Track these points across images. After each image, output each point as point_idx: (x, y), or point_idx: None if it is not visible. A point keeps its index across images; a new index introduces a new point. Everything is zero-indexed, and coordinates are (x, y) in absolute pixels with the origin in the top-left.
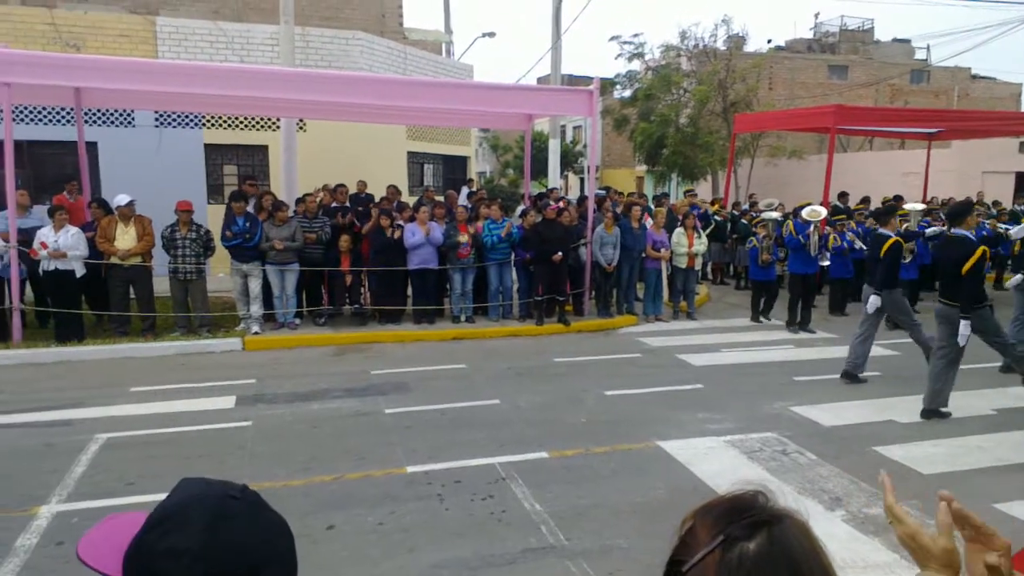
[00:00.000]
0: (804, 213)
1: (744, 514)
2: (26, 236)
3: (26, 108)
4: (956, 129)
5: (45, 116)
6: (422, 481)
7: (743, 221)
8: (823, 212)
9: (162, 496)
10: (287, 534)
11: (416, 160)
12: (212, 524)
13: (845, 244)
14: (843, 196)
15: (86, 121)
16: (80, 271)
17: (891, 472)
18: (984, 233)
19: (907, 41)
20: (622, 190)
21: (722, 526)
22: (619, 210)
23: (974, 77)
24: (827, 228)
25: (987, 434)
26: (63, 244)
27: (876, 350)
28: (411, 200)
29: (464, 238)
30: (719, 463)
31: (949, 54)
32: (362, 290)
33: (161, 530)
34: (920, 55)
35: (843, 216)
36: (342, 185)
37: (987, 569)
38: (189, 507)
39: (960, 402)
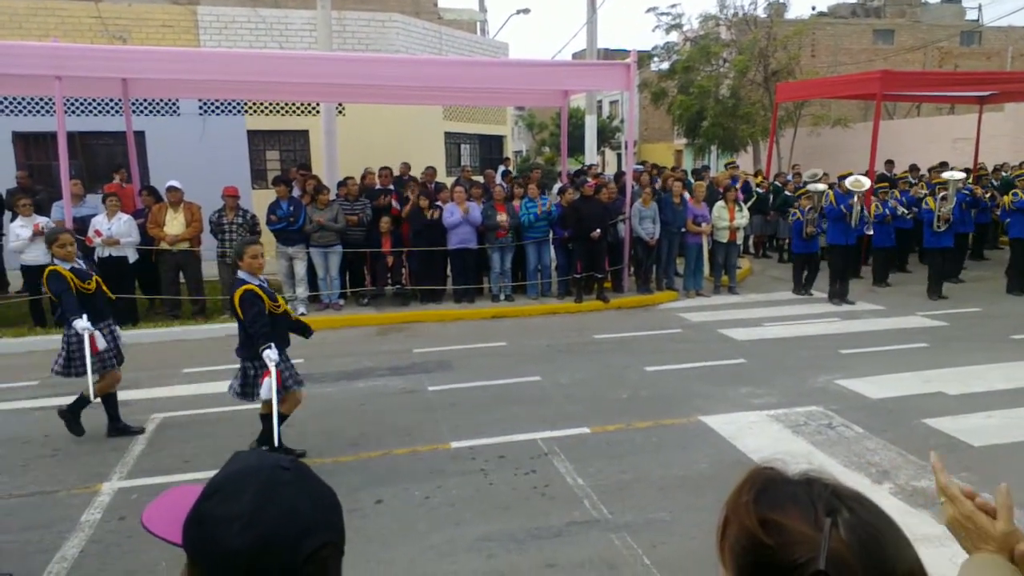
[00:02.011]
0: (847, 183)
1: (807, 487)
2: (81, 224)
3: (76, 100)
4: (1010, 92)
5: (94, 107)
6: (467, 456)
7: (786, 192)
8: (866, 183)
9: None
10: (335, 504)
11: (453, 140)
12: (263, 492)
13: (888, 212)
14: (889, 164)
15: (133, 111)
16: (132, 257)
17: (940, 445)
18: None
19: (956, 1)
20: (662, 165)
21: (811, 509)
22: (658, 185)
23: None
24: (871, 198)
25: None
26: (116, 231)
27: (923, 320)
28: (449, 181)
29: (502, 217)
30: (763, 437)
31: (1002, 13)
32: (403, 271)
33: (216, 499)
34: (971, 16)
35: (886, 184)
36: (386, 168)
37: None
38: (242, 477)
39: (1012, 372)
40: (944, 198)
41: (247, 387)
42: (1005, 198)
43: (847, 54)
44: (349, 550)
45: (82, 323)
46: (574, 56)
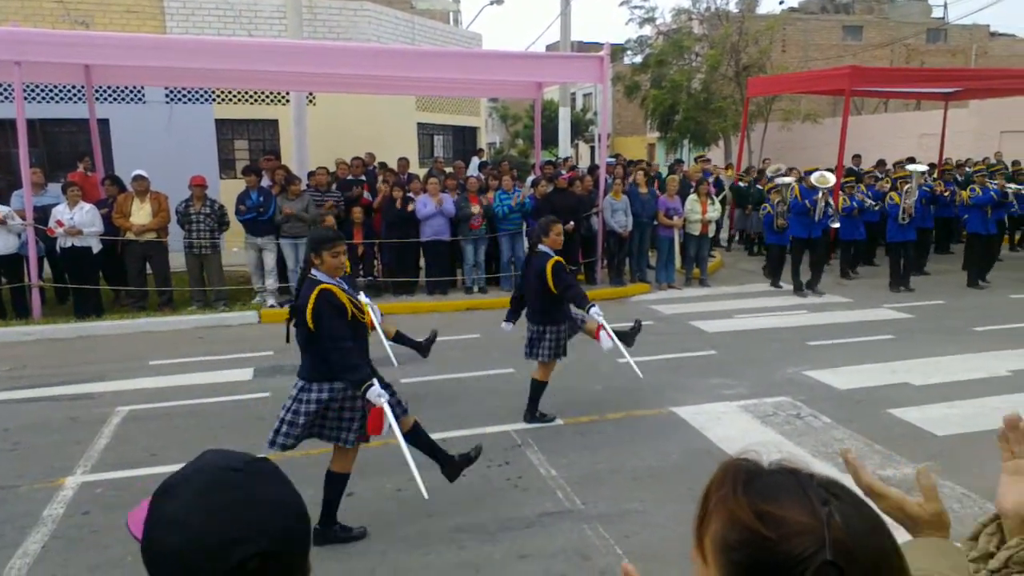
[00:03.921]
0: (812, 178)
1: (793, 476)
2: (42, 214)
3: (37, 86)
4: (974, 89)
5: (56, 94)
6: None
7: (757, 187)
8: (831, 179)
9: None
10: (288, 513)
11: (426, 131)
12: (200, 494)
13: (855, 205)
14: (856, 159)
15: (97, 98)
16: (96, 247)
17: (905, 435)
18: (994, 194)
19: None
20: (635, 159)
21: (807, 499)
22: (630, 179)
23: (993, 34)
24: (839, 192)
25: (1003, 395)
26: (78, 221)
27: (889, 313)
28: (421, 172)
29: (476, 209)
30: (733, 428)
31: (967, 11)
32: (375, 262)
33: (163, 498)
34: (937, 13)
35: (852, 179)
36: (358, 158)
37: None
38: (189, 476)
39: (976, 363)
40: (907, 191)
41: (334, 428)
42: (963, 193)
43: (817, 50)
44: (320, 543)
45: None
46: (548, 48)
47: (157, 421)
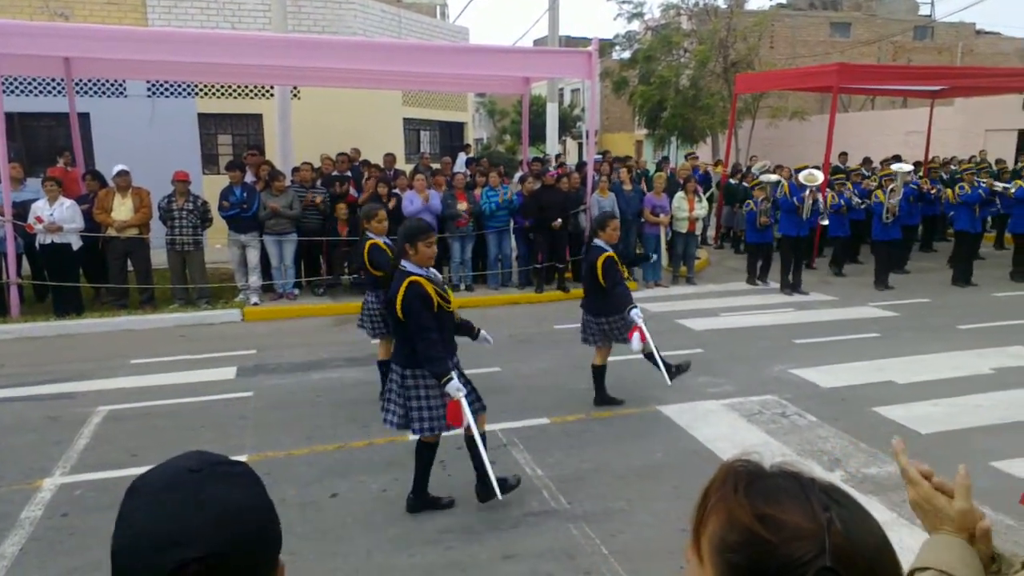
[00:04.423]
0: (801, 176)
1: (795, 480)
2: (21, 209)
3: (16, 79)
4: (960, 86)
5: (35, 87)
6: None
7: (743, 184)
8: (820, 177)
9: None
10: (244, 518)
11: (412, 127)
12: (154, 494)
13: (843, 202)
14: (843, 156)
15: (77, 92)
16: (76, 244)
17: (889, 433)
18: (982, 192)
19: None
20: (623, 156)
21: (808, 504)
22: (617, 176)
23: (979, 32)
24: (826, 190)
25: (985, 393)
26: (58, 217)
27: (874, 311)
28: (407, 168)
29: (463, 206)
30: (719, 427)
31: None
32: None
33: (127, 496)
34: (924, 11)
35: (841, 176)
36: (343, 154)
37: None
38: (153, 476)
39: (960, 361)
40: (892, 190)
41: (427, 415)
42: (949, 191)
43: (805, 46)
44: (304, 544)
45: None
46: (535, 43)
47: (138, 421)
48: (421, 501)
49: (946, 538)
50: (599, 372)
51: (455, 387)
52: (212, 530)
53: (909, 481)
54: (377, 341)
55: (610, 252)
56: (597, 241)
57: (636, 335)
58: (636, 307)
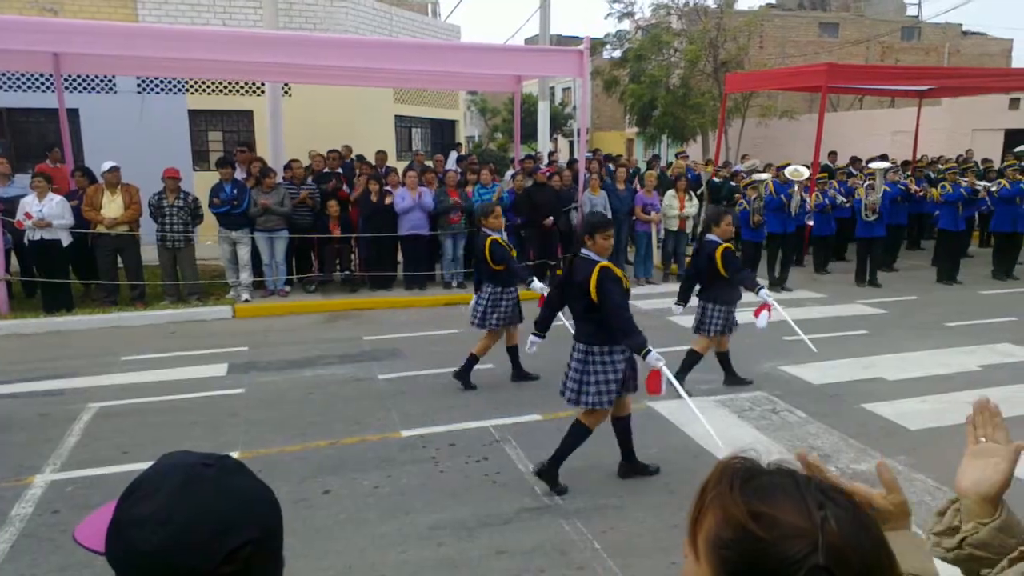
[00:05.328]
0: (786, 172)
1: (791, 478)
2: (9, 205)
3: (4, 75)
4: (947, 86)
5: (24, 83)
6: (417, 445)
7: (731, 183)
8: (805, 172)
9: None
10: (266, 502)
11: (404, 124)
12: (178, 490)
13: (827, 201)
14: (832, 155)
15: (66, 88)
16: (66, 240)
17: (878, 429)
18: (964, 191)
19: None
20: (610, 153)
21: (803, 502)
22: (610, 177)
23: (965, 33)
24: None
25: (974, 390)
26: (47, 213)
27: (863, 308)
28: (399, 165)
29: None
30: (710, 423)
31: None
32: (352, 256)
33: (131, 500)
34: (911, 11)
35: (825, 175)
36: (334, 151)
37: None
38: (159, 476)
39: (947, 358)
40: (872, 187)
41: (596, 390)
42: (934, 191)
43: (794, 46)
44: (296, 541)
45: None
46: (526, 41)
47: (129, 418)
48: (552, 470)
49: (905, 536)
50: (695, 358)
51: (655, 357)
52: (251, 516)
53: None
54: (485, 331)
55: (727, 244)
56: (710, 236)
57: (764, 312)
58: (764, 287)
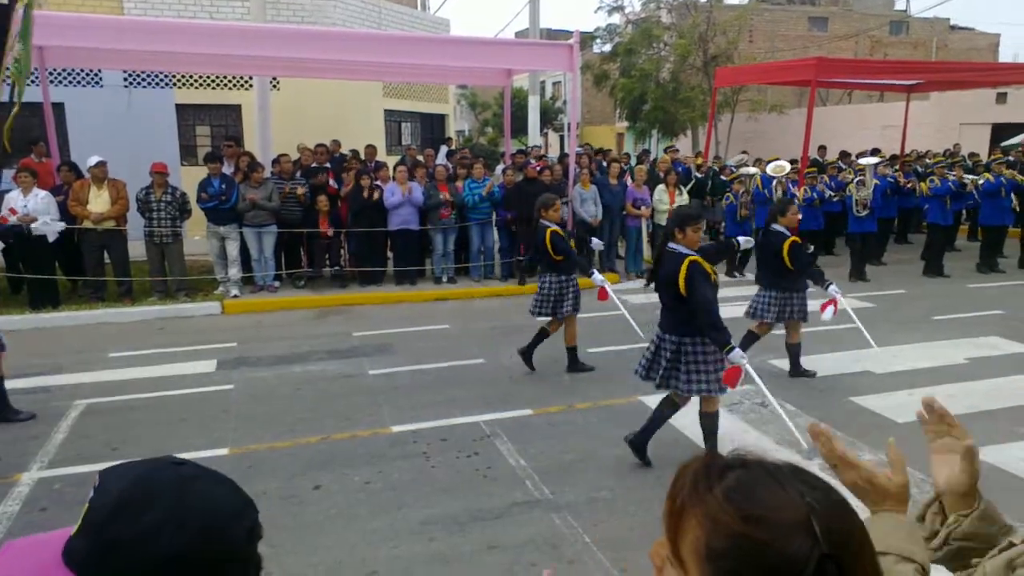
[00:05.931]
0: (769, 168)
1: (762, 469)
2: None
3: None
4: (935, 81)
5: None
6: (408, 440)
7: (721, 177)
8: (787, 167)
9: None
10: (243, 492)
11: (393, 118)
12: (177, 492)
13: (816, 196)
14: (822, 150)
15: (52, 81)
16: (52, 236)
17: (866, 422)
18: (952, 185)
19: None
20: (600, 147)
21: (786, 493)
22: (601, 169)
23: (953, 28)
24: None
25: (959, 383)
26: (32, 208)
27: (851, 302)
28: (389, 159)
29: (443, 197)
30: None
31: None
32: (342, 252)
33: (126, 517)
34: (900, 6)
35: (814, 169)
36: (322, 145)
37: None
38: (145, 487)
39: (935, 352)
40: (862, 182)
41: (684, 380)
42: (923, 184)
43: (783, 40)
44: (287, 537)
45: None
46: (517, 35)
47: (117, 415)
48: (642, 445)
49: (893, 517)
50: (796, 349)
51: (739, 355)
52: (241, 499)
53: (847, 465)
54: (547, 320)
55: (794, 237)
56: (776, 226)
57: (830, 308)
58: (832, 283)
